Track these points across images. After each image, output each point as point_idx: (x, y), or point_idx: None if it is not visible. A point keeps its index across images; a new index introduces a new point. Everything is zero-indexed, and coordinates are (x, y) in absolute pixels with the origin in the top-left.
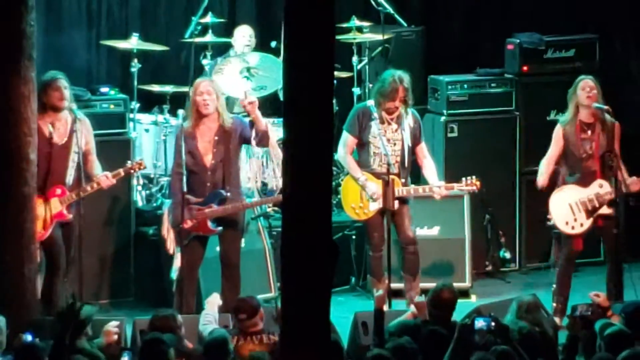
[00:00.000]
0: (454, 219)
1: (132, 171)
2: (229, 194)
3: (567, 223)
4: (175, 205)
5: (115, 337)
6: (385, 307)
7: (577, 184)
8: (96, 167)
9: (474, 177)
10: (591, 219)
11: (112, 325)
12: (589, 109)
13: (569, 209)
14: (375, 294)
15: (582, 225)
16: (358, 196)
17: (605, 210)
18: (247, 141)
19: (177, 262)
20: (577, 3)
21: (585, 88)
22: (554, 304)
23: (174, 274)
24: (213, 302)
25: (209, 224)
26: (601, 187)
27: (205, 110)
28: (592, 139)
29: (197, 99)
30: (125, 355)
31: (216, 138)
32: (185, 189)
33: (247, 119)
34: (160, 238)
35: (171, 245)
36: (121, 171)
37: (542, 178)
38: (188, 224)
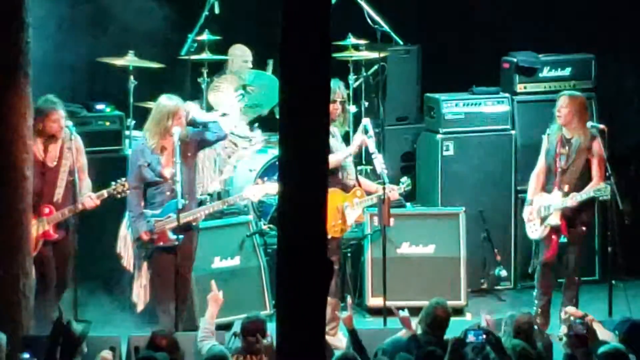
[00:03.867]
0: (450, 237)
1: (115, 193)
2: (186, 202)
3: (530, 229)
4: (135, 219)
5: None
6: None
7: (544, 193)
8: (85, 185)
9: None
10: (544, 227)
11: (106, 353)
12: (563, 123)
13: (529, 215)
14: (341, 316)
15: (535, 231)
16: (335, 213)
17: (552, 220)
18: (205, 143)
19: (137, 283)
20: (573, 22)
21: (557, 108)
22: (535, 308)
23: (135, 297)
24: (210, 317)
25: (169, 234)
26: (551, 197)
27: (176, 134)
28: (568, 154)
29: (175, 123)
30: None
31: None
32: (142, 203)
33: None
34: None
35: (129, 261)
36: (105, 192)
37: (529, 193)
38: (148, 235)
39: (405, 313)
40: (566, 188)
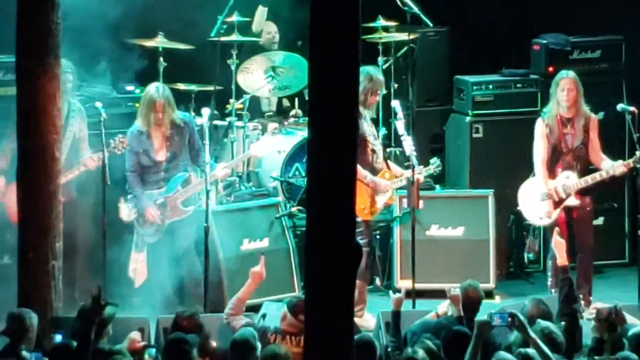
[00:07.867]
0: (479, 220)
1: (115, 150)
2: (189, 174)
3: (537, 214)
4: (138, 198)
5: (139, 345)
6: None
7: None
8: (87, 154)
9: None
10: (559, 210)
11: (135, 334)
12: (569, 105)
13: (537, 201)
14: (393, 295)
15: (549, 216)
16: (364, 197)
17: (572, 201)
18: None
19: (133, 260)
20: (603, 4)
21: (564, 89)
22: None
23: (132, 273)
24: (246, 293)
25: (180, 206)
26: (568, 179)
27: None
28: (572, 133)
29: (161, 100)
30: (150, 351)
31: (169, 132)
32: (141, 184)
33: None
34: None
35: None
36: (105, 151)
37: (543, 182)
38: (154, 211)
39: (457, 292)
40: (579, 167)
